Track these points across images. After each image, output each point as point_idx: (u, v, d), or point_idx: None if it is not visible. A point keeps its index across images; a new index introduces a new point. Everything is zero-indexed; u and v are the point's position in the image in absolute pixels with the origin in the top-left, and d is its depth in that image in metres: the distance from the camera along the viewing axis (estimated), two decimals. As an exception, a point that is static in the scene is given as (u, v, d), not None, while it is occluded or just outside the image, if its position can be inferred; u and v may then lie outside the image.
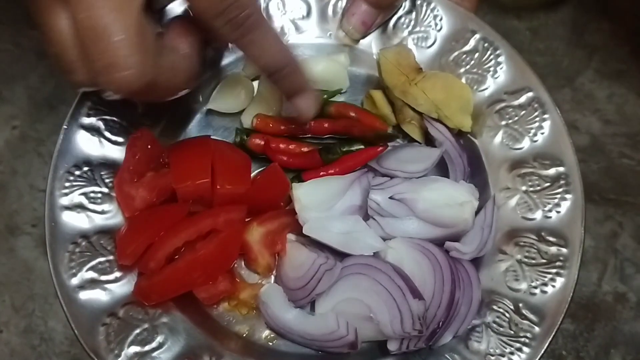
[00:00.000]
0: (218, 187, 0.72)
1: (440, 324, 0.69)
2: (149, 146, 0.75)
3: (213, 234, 0.71)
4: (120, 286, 0.71)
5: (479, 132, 0.80)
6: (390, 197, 0.73)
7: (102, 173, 0.75)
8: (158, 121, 0.80)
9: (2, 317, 0.87)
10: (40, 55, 1.01)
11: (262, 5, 0.83)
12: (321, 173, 0.78)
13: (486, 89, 0.80)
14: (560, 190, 0.75)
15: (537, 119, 0.78)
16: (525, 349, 0.69)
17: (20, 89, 0.99)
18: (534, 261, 0.73)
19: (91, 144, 0.75)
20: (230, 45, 0.81)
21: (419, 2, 0.83)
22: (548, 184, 0.75)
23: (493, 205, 0.74)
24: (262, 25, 0.66)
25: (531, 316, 0.70)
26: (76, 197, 0.73)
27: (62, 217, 0.72)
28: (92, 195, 0.74)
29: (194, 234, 0.71)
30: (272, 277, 0.76)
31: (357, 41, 0.84)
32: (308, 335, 0.71)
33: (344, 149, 0.79)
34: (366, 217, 0.75)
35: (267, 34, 0.67)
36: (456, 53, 0.81)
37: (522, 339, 0.69)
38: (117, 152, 0.76)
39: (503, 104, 0.79)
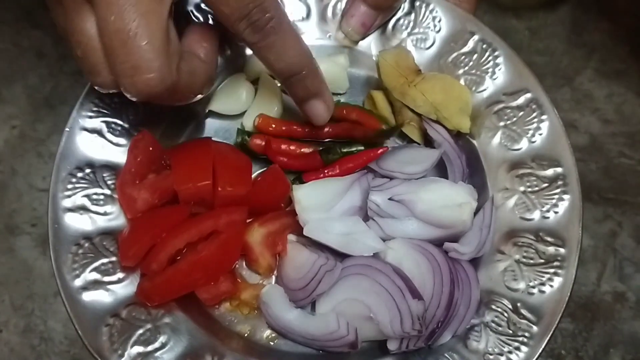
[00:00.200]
0: (219, 188, 0.73)
1: (440, 323, 0.69)
2: (151, 148, 0.76)
3: (214, 235, 0.72)
4: (123, 287, 0.72)
5: (478, 133, 0.80)
6: (390, 198, 0.74)
7: (104, 175, 0.76)
8: (159, 123, 0.80)
9: (1, 317, 0.88)
10: (40, 55, 1.01)
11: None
12: (321, 175, 0.78)
13: (484, 90, 0.80)
14: (558, 190, 0.75)
15: (535, 120, 0.78)
16: (524, 348, 0.69)
17: (19, 89, 1.00)
18: (532, 261, 0.73)
19: (93, 146, 0.76)
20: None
21: (417, 4, 0.83)
22: (546, 185, 0.76)
23: (491, 206, 0.75)
24: (283, 29, 0.66)
25: (529, 316, 0.71)
26: (79, 199, 0.74)
27: (65, 219, 0.73)
28: (94, 197, 0.75)
29: (196, 235, 0.71)
30: (273, 277, 0.77)
31: (357, 42, 0.84)
32: (309, 335, 0.71)
33: (344, 150, 0.80)
34: (366, 218, 0.75)
35: (287, 38, 0.67)
36: (455, 54, 0.82)
37: (521, 338, 0.70)
38: (119, 154, 0.77)
39: (501, 105, 0.80)
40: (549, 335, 0.70)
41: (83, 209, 0.74)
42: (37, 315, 0.88)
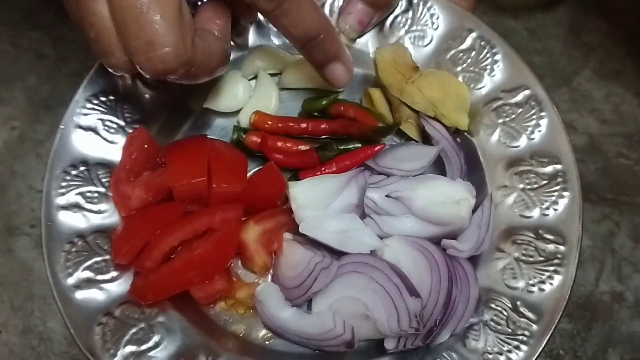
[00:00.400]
0: (214, 185, 0.72)
1: (437, 322, 0.68)
2: (146, 145, 0.75)
3: (209, 233, 0.71)
4: (116, 286, 0.71)
5: (476, 131, 0.79)
6: (387, 195, 0.73)
7: (99, 173, 0.75)
8: (156, 121, 0.80)
9: (1, 318, 0.87)
10: (39, 56, 1.01)
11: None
12: (318, 172, 0.78)
13: (483, 87, 0.80)
14: (557, 187, 0.75)
15: (534, 116, 0.77)
16: (523, 347, 0.69)
17: (19, 90, 0.99)
18: (531, 259, 0.72)
19: (88, 144, 0.76)
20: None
21: (415, 1, 0.83)
22: (545, 182, 0.75)
23: (490, 203, 0.74)
24: None
25: (529, 314, 0.70)
26: (73, 197, 0.73)
27: (58, 217, 0.72)
28: (88, 194, 0.74)
29: (190, 233, 0.71)
30: (269, 276, 0.76)
31: (354, 40, 0.84)
32: (305, 334, 0.71)
33: (341, 147, 0.79)
34: (363, 216, 0.75)
35: (302, 3, 0.67)
36: (453, 52, 0.81)
37: (520, 337, 0.69)
38: (114, 152, 0.76)
39: (500, 102, 0.79)
40: (549, 334, 0.69)
41: (77, 206, 0.73)
42: (36, 316, 0.87)
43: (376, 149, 0.78)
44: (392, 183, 0.75)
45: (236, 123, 0.82)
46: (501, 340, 0.69)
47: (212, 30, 0.68)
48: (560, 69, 1.01)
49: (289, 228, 0.76)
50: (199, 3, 0.70)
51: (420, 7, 0.83)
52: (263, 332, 0.74)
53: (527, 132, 0.77)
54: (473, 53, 0.81)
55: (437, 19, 0.82)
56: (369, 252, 0.72)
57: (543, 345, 0.68)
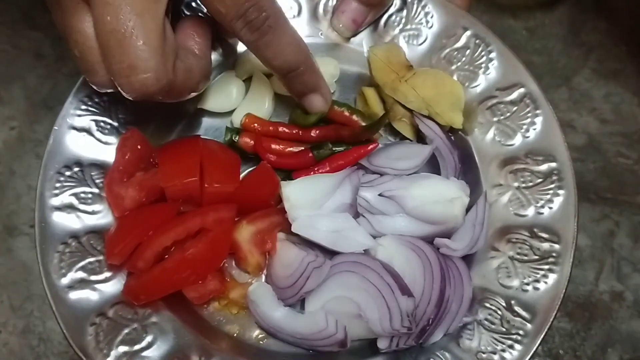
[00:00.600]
0: (206, 185, 0.72)
1: (430, 321, 0.68)
2: (139, 146, 0.75)
3: (202, 233, 0.71)
4: (109, 286, 0.71)
5: (471, 129, 0.79)
6: (380, 194, 0.73)
7: (93, 173, 0.75)
8: (149, 122, 0.80)
9: (0, 318, 0.87)
10: (38, 56, 1.01)
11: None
12: (311, 172, 0.77)
13: (477, 85, 0.80)
14: (552, 186, 0.74)
15: (529, 114, 0.77)
16: (517, 346, 0.68)
17: (17, 90, 1.00)
18: (526, 258, 0.72)
19: (81, 145, 0.76)
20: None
21: (409, 0, 0.82)
22: (540, 180, 0.75)
23: (485, 202, 0.73)
24: (279, 27, 0.67)
25: (523, 313, 0.69)
26: (66, 198, 0.74)
27: (52, 218, 0.72)
28: (82, 195, 0.74)
29: (183, 233, 0.70)
30: (263, 276, 0.76)
31: (348, 39, 0.84)
32: (298, 334, 0.70)
33: (335, 148, 0.78)
34: (356, 216, 0.74)
35: (283, 35, 0.68)
36: (447, 50, 0.81)
37: (514, 336, 0.68)
38: (107, 153, 0.76)
39: (495, 101, 0.79)
40: (544, 333, 0.68)
41: (71, 207, 0.74)
42: (35, 316, 0.87)
43: (369, 147, 0.77)
44: (385, 182, 0.74)
45: (229, 124, 0.82)
46: (495, 339, 0.69)
47: (193, 48, 0.69)
48: (559, 69, 1.01)
49: (283, 228, 0.75)
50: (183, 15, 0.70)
51: (415, 5, 0.82)
52: (257, 332, 0.74)
53: (522, 130, 0.77)
54: (468, 51, 0.80)
55: (431, 17, 0.82)
56: (362, 252, 0.71)
57: (537, 344, 0.68)
